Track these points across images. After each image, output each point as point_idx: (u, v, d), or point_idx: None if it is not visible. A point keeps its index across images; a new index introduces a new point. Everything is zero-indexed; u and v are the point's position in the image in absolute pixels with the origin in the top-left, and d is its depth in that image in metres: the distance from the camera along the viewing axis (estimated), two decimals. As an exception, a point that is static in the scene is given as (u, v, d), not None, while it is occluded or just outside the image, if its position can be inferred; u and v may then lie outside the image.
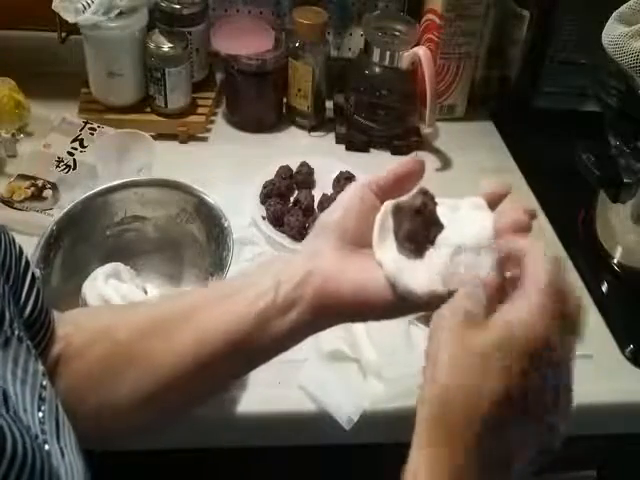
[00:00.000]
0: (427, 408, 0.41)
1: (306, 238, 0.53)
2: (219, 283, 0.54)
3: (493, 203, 0.51)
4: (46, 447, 0.35)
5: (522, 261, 0.43)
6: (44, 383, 0.40)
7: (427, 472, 0.40)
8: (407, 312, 0.48)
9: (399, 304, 0.45)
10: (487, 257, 0.44)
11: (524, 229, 0.46)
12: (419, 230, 0.46)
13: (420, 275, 0.45)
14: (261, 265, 0.53)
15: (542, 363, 0.41)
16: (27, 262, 0.50)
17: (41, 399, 0.38)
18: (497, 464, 0.42)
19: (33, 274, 0.51)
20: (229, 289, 0.51)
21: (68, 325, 0.54)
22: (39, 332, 0.50)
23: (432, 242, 0.46)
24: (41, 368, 0.40)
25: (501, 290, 0.43)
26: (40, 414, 0.37)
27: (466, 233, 0.46)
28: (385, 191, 0.51)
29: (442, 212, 0.48)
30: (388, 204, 0.49)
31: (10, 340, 0.39)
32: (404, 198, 0.49)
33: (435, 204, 0.47)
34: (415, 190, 0.48)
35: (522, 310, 0.40)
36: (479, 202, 0.50)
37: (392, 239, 0.48)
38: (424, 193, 0.48)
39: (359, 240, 0.49)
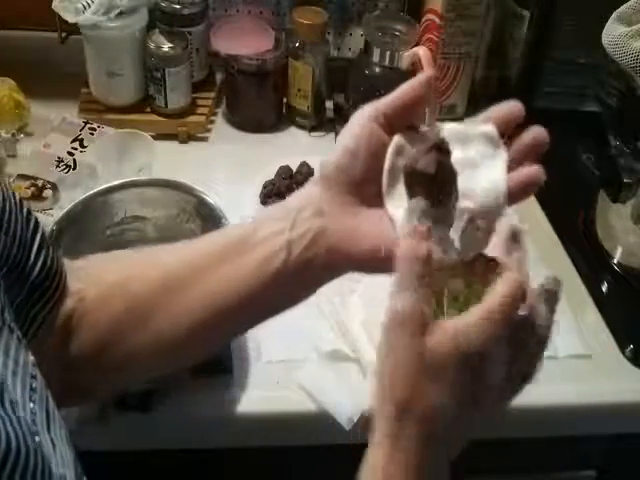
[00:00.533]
0: (383, 420, 0.42)
1: (311, 181, 0.50)
2: (229, 234, 0.52)
3: (505, 128, 0.48)
4: (37, 438, 0.35)
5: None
6: (34, 373, 0.39)
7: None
8: None
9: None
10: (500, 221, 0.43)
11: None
12: (434, 192, 0.43)
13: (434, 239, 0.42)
14: (267, 217, 0.50)
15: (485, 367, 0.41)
16: (36, 223, 0.49)
17: (32, 390, 0.38)
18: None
19: (43, 234, 0.50)
20: (239, 245, 0.49)
21: (79, 280, 0.53)
22: (49, 288, 0.50)
23: (447, 195, 0.43)
24: (31, 359, 0.40)
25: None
26: (31, 405, 0.37)
27: (479, 190, 0.44)
28: (393, 120, 0.47)
29: (453, 151, 0.44)
30: (397, 140, 0.46)
31: (1, 330, 0.39)
32: (414, 150, 0.44)
33: (449, 156, 0.43)
34: (428, 137, 0.44)
35: (471, 324, 0.41)
36: (491, 134, 0.46)
37: (403, 186, 0.45)
38: (439, 149, 0.43)
39: (368, 187, 0.47)
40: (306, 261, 0.47)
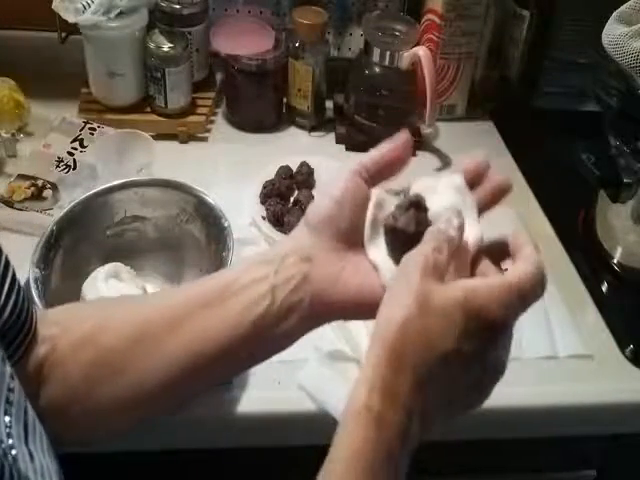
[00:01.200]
0: (381, 342, 0.42)
1: (297, 229, 0.50)
2: (209, 282, 0.51)
3: (474, 181, 0.50)
4: (13, 452, 0.35)
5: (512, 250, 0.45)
6: (11, 386, 0.39)
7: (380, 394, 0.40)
8: None
9: None
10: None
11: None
12: (414, 245, 0.45)
13: None
14: (250, 264, 0.50)
15: (493, 339, 0.44)
16: (7, 261, 0.48)
17: (8, 402, 0.37)
18: (440, 404, 0.43)
19: (13, 273, 0.49)
20: (221, 292, 0.48)
21: (53, 326, 0.52)
22: (20, 333, 0.49)
23: None
24: (8, 370, 0.39)
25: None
26: (7, 418, 0.37)
27: None
28: (375, 175, 0.50)
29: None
30: (377, 195, 0.49)
31: None
32: (394, 207, 0.47)
33: (427, 212, 0.47)
34: (406, 199, 0.47)
35: (492, 285, 0.42)
36: (458, 183, 0.49)
37: (383, 238, 0.48)
38: (417, 206, 0.46)
39: (352, 236, 0.48)
40: (290, 307, 0.47)
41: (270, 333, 0.47)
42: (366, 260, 0.48)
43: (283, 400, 0.74)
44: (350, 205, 0.48)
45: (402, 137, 0.51)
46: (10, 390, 0.38)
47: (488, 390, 0.45)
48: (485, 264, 0.46)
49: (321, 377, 0.75)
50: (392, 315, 0.42)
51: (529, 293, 0.43)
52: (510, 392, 0.77)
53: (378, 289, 0.46)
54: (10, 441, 0.36)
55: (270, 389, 0.74)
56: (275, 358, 0.76)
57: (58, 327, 0.52)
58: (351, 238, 0.49)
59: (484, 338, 0.42)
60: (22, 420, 0.38)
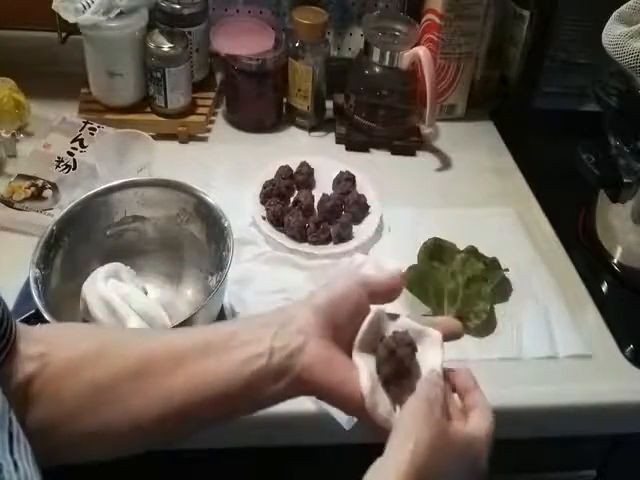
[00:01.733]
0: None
1: (300, 302, 0.54)
2: (212, 330, 0.54)
3: (447, 336, 0.55)
4: None
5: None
6: None
7: None
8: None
9: (368, 415, 0.50)
10: None
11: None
12: (400, 376, 0.51)
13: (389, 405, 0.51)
14: (251, 323, 0.53)
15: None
16: None
17: None
18: None
19: None
20: (222, 342, 0.51)
21: (40, 343, 0.51)
22: None
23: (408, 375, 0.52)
24: None
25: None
26: None
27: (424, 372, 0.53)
28: (374, 294, 0.54)
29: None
30: (376, 311, 0.53)
31: None
32: (392, 332, 0.52)
33: (416, 351, 0.52)
34: (407, 334, 0.52)
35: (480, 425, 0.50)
36: (438, 339, 0.54)
37: (370, 354, 0.52)
38: (412, 345, 0.52)
39: (343, 334, 0.52)
40: (282, 371, 0.50)
41: (259, 391, 0.50)
42: (351, 362, 0.51)
43: (283, 400, 0.74)
44: (350, 306, 0.52)
45: (397, 277, 0.56)
46: None
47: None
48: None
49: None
50: (417, 446, 0.46)
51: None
52: (510, 392, 0.77)
53: (357, 393, 0.50)
54: None
55: (270, 389, 0.74)
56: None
57: (46, 345, 0.51)
58: (342, 337, 0.52)
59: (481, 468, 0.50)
60: (7, 429, 0.38)
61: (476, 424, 0.50)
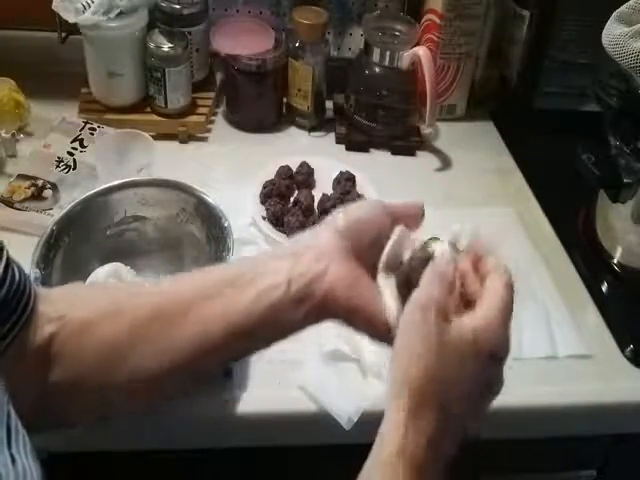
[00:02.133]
0: (403, 396, 0.45)
1: (320, 227, 0.53)
2: (227, 269, 0.54)
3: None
4: None
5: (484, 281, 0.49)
6: None
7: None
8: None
9: (390, 337, 0.49)
10: None
11: None
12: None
13: None
14: (268, 256, 0.53)
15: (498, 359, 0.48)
16: (0, 247, 0.49)
17: None
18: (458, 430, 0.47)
19: (8, 258, 0.49)
20: (238, 278, 0.51)
21: (59, 305, 0.52)
22: (14, 312, 0.49)
23: None
24: None
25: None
26: None
27: None
28: (396, 221, 0.53)
29: None
30: (401, 231, 0.52)
31: None
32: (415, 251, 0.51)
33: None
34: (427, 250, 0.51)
35: (489, 321, 0.47)
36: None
37: (395, 278, 0.51)
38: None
39: (367, 257, 0.51)
40: (302, 298, 0.49)
41: (279, 321, 0.49)
42: (374, 284, 0.51)
43: (283, 400, 0.74)
44: (375, 228, 0.52)
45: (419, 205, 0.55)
46: None
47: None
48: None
49: (321, 377, 0.75)
50: (412, 365, 0.45)
51: (509, 315, 0.49)
52: (510, 392, 0.77)
53: (381, 315, 0.49)
54: None
55: (270, 389, 0.74)
56: (275, 358, 0.77)
57: (64, 306, 0.52)
58: (365, 260, 0.51)
59: (490, 364, 0.48)
60: (5, 423, 0.38)
61: (484, 309, 0.47)
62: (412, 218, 0.54)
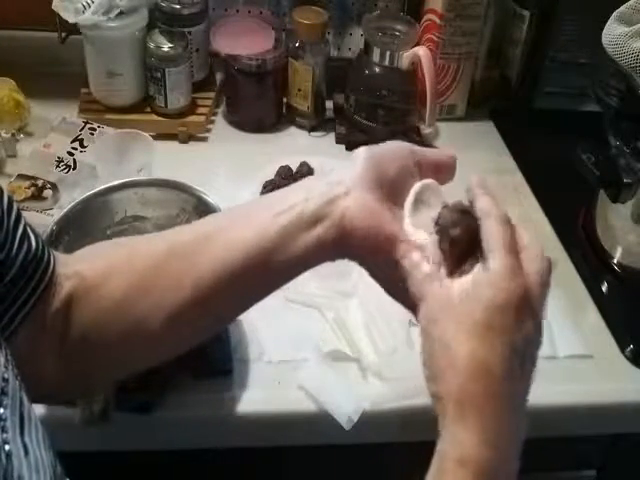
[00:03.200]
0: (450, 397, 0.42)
1: (343, 164, 0.51)
2: (244, 204, 0.53)
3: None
4: (7, 447, 0.35)
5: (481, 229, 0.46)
6: (6, 376, 0.38)
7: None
8: None
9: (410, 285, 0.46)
10: None
11: None
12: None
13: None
14: (289, 187, 0.51)
15: (529, 310, 0.45)
16: (18, 212, 0.49)
17: (3, 394, 0.37)
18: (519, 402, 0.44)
19: (25, 223, 0.50)
20: (254, 206, 0.50)
21: (79, 262, 0.53)
22: (32, 278, 0.49)
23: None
24: (2, 360, 0.39)
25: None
26: (1, 410, 0.36)
27: None
28: (422, 168, 0.51)
29: None
30: (425, 182, 0.50)
31: None
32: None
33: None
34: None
35: (497, 272, 0.44)
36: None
37: (426, 216, 0.48)
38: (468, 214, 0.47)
39: (390, 194, 0.49)
40: (319, 217, 0.47)
41: (295, 242, 0.48)
42: (397, 217, 0.48)
43: (283, 400, 0.74)
44: (399, 164, 0.50)
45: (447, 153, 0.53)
46: (5, 380, 0.38)
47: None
48: None
49: (321, 377, 0.75)
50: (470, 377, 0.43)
51: (510, 243, 0.46)
52: (510, 392, 0.77)
53: (404, 252, 0.47)
54: (5, 435, 0.35)
55: (270, 389, 0.74)
56: (275, 358, 0.77)
57: (80, 262, 0.53)
58: (389, 193, 0.49)
59: (523, 318, 0.45)
60: (18, 411, 0.38)
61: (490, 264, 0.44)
62: (442, 169, 0.52)
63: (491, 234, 0.45)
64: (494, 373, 0.42)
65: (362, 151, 0.50)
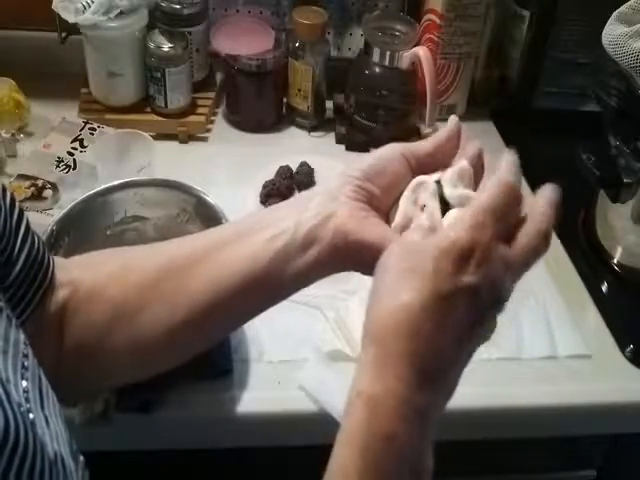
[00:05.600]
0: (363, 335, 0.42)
1: (331, 181, 0.51)
2: (235, 223, 0.53)
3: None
4: (30, 416, 0.35)
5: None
6: (26, 352, 0.39)
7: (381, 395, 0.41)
8: None
9: None
10: None
11: None
12: None
13: None
14: (277, 206, 0.52)
15: (470, 268, 0.41)
16: (20, 212, 0.50)
17: (24, 368, 0.38)
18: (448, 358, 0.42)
19: (27, 223, 0.50)
20: (246, 228, 0.50)
21: (74, 270, 0.53)
22: (35, 280, 0.50)
23: None
24: (22, 337, 0.40)
25: None
26: (24, 383, 0.37)
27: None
28: (420, 164, 0.50)
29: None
30: (416, 181, 0.49)
31: None
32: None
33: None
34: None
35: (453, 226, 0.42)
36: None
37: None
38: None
39: (379, 206, 0.49)
40: (312, 240, 0.47)
41: (290, 266, 0.48)
42: (387, 226, 0.48)
43: (283, 400, 0.74)
44: (391, 175, 0.49)
45: (451, 126, 0.53)
46: (25, 356, 0.39)
47: (492, 320, 0.44)
48: None
49: (321, 377, 0.75)
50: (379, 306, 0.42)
51: (499, 207, 0.42)
52: (510, 392, 0.77)
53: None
54: (28, 405, 0.36)
55: (270, 389, 0.74)
56: (275, 358, 0.77)
57: (75, 271, 0.53)
58: (379, 206, 0.49)
59: (462, 269, 0.41)
60: (37, 386, 0.39)
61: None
62: (439, 155, 0.51)
63: (484, 194, 0.43)
64: (409, 315, 0.40)
65: (350, 167, 0.50)
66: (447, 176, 0.48)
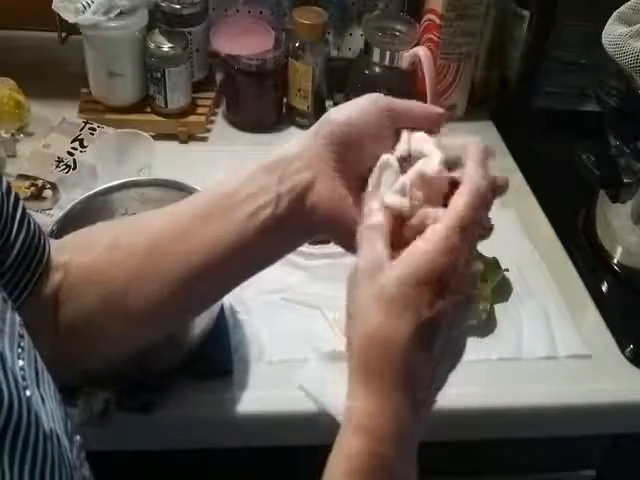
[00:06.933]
0: (352, 360, 0.46)
1: (305, 136, 0.52)
2: (214, 192, 0.53)
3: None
4: (27, 392, 0.36)
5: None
6: (22, 333, 0.40)
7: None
8: None
9: None
10: None
11: None
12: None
13: None
14: (254, 172, 0.54)
15: (445, 290, 0.42)
16: (16, 197, 0.50)
17: (20, 347, 0.39)
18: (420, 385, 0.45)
19: (24, 208, 0.51)
20: (227, 200, 0.51)
21: (64, 252, 0.54)
22: (31, 264, 0.51)
23: None
24: (18, 318, 0.40)
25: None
26: (21, 362, 0.38)
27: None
28: (399, 120, 0.50)
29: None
30: (389, 160, 0.47)
31: None
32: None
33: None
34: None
35: (423, 245, 0.42)
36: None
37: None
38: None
39: (355, 165, 0.50)
40: (290, 214, 0.49)
41: (271, 239, 0.50)
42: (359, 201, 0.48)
43: (283, 400, 0.74)
44: (368, 138, 0.49)
45: (439, 110, 0.52)
46: (21, 337, 0.39)
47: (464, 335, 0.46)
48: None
49: (321, 377, 0.75)
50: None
51: (469, 224, 0.42)
52: (510, 392, 0.77)
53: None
54: (24, 382, 0.36)
55: (270, 389, 0.74)
56: (275, 358, 0.77)
57: (68, 253, 0.54)
58: (354, 167, 0.50)
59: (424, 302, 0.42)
60: (33, 367, 0.39)
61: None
62: (425, 120, 0.50)
63: (453, 204, 0.43)
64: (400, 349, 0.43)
65: (324, 125, 0.51)
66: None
